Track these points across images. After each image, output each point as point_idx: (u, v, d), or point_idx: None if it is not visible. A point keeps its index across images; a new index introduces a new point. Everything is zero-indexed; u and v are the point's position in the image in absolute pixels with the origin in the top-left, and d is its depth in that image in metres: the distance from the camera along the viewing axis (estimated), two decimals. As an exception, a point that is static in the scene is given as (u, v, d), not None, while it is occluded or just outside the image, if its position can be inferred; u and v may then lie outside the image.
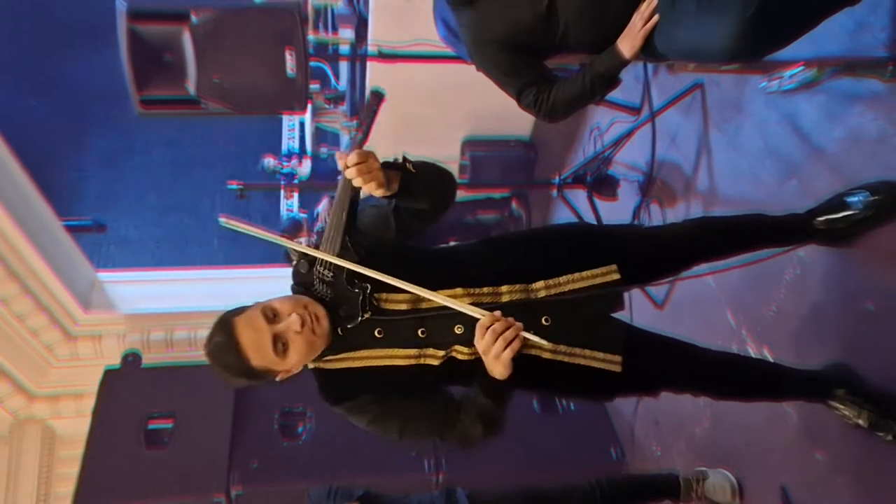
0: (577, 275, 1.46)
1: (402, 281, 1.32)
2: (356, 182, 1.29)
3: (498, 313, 1.29)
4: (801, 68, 1.86)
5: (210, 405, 3.16)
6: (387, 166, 1.34)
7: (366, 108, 1.37)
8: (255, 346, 1.29)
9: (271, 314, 1.30)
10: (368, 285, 1.34)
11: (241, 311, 1.34)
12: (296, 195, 4.05)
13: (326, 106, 4.05)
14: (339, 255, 1.33)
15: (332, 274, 1.35)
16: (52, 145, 5.02)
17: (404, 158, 1.37)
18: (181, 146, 5.26)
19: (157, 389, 3.31)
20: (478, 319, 1.30)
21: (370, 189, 1.31)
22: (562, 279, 1.45)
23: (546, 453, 3.08)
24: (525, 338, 1.29)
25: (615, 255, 1.51)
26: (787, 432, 2.05)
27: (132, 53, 2.41)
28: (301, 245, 1.40)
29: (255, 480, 2.94)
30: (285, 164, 3.91)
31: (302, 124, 4.31)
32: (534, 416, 3.21)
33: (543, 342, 1.31)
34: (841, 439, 1.84)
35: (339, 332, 1.37)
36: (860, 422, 1.74)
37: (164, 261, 4.69)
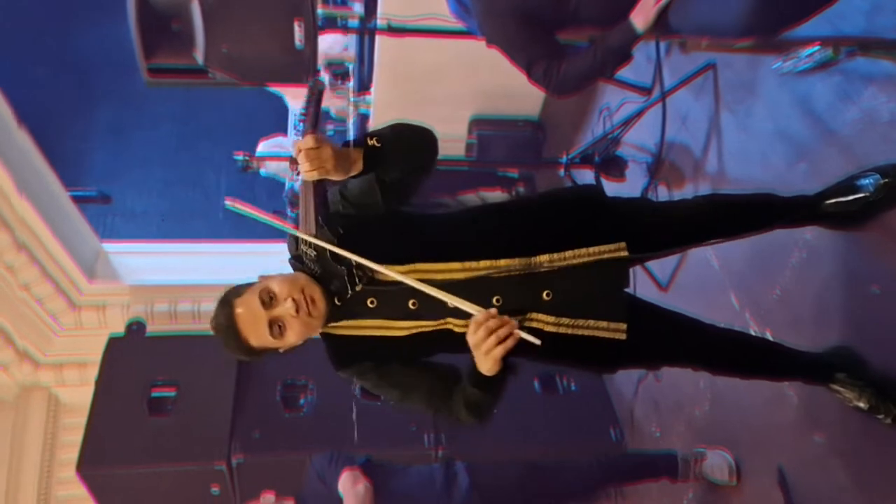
0: (583, 250, 1.41)
1: (376, 263, 1.31)
2: (305, 175, 1.27)
3: (493, 311, 1.27)
4: (817, 48, 1.83)
5: (213, 375, 3.19)
6: (348, 145, 1.33)
7: (307, 95, 1.35)
8: (253, 330, 1.33)
9: (268, 297, 1.33)
10: (353, 261, 1.34)
11: (241, 291, 1.37)
12: (301, 169, 4.05)
13: (334, 81, 4.02)
14: (316, 235, 1.33)
15: (315, 252, 1.37)
16: (60, 115, 5.01)
17: (366, 135, 1.35)
18: (188, 120, 5.25)
19: (161, 358, 3.33)
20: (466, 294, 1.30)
21: (319, 176, 1.27)
22: (567, 254, 1.40)
23: (546, 433, 3.09)
24: (520, 337, 1.26)
25: (624, 231, 1.46)
26: (787, 414, 2.06)
27: (140, 21, 2.39)
28: (292, 226, 1.40)
29: (256, 449, 2.97)
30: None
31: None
32: (534, 396, 3.22)
33: (537, 341, 1.27)
34: (840, 421, 1.85)
35: (337, 302, 1.39)
36: (860, 404, 1.74)
37: (169, 234, 4.70)
